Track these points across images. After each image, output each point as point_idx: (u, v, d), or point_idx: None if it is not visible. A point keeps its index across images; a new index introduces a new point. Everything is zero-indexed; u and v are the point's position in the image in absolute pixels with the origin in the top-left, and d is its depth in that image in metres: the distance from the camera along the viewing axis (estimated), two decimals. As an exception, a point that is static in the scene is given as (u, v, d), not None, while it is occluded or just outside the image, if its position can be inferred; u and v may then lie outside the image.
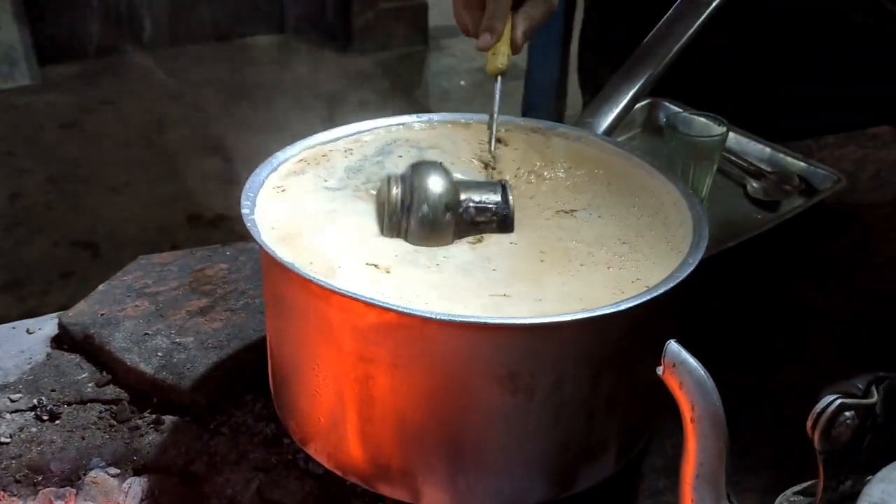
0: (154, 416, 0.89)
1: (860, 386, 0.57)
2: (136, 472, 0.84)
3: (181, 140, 3.28)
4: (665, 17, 1.05)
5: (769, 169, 1.23)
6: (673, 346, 0.65)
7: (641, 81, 1.00)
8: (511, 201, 0.83)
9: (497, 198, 0.83)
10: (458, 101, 3.49)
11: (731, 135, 1.26)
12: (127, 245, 2.83)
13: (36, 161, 3.08)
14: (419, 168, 0.83)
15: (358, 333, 0.71)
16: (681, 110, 1.30)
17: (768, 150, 1.25)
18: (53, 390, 0.92)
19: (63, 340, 0.98)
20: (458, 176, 0.85)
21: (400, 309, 0.68)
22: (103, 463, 0.85)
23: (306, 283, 0.71)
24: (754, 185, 1.21)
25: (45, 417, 0.89)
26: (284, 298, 0.76)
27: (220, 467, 0.84)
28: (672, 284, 0.72)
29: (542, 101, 3.03)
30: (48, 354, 0.97)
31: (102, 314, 0.99)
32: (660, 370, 0.65)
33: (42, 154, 3.13)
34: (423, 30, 3.97)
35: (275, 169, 0.86)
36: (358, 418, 0.74)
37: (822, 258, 1.14)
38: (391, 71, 3.76)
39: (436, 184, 0.82)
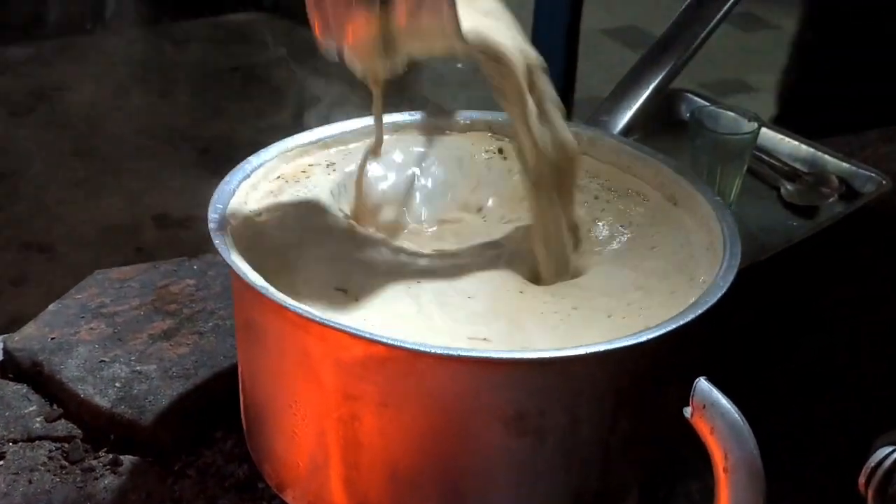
0: (111, 455, 0.87)
1: (920, 436, 0.55)
2: (90, 522, 0.81)
3: (147, 130, 3.25)
4: (688, 1, 1.02)
5: (805, 170, 1.21)
6: (703, 384, 0.63)
7: (663, 74, 0.98)
8: None
9: None
10: (455, 87, 3.45)
11: (763, 131, 1.23)
12: (86, 247, 2.79)
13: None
14: None
15: (341, 368, 0.69)
16: (707, 103, 1.28)
17: (804, 147, 1.23)
18: (-4, 426, 0.89)
19: (8, 368, 0.95)
20: None
21: (390, 341, 0.66)
22: (52, 510, 0.82)
23: (282, 310, 0.68)
24: (788, 187, 1.18)
25: (-14, 458, 0.87)
26: (257, 326, 0.74)
27: (186, 515, 0.81)
28: (699, 312, 0.70)
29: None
30: (-9, 384, 0.94)
31: (53, 338, 0.96)
32: (688, 412, 0.63)
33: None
34: (416, 6, 3.93)
35: (247, 176, 0.84)
36: (342, 464, 0.72)
37: (866, 267, 1.12)
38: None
39: None
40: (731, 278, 0.73)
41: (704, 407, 0.62)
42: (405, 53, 0.75)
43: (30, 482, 0.84)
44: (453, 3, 0.69)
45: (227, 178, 0.82)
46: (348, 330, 0.66)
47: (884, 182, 1.16)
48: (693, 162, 1.14)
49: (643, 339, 0.67)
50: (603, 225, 0.86)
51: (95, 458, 0.87)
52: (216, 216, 0.77)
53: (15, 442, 0.88)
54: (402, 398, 0.68)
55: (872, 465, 0.55)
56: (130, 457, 0.87)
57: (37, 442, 0.88)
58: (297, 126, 0.93)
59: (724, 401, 0.62)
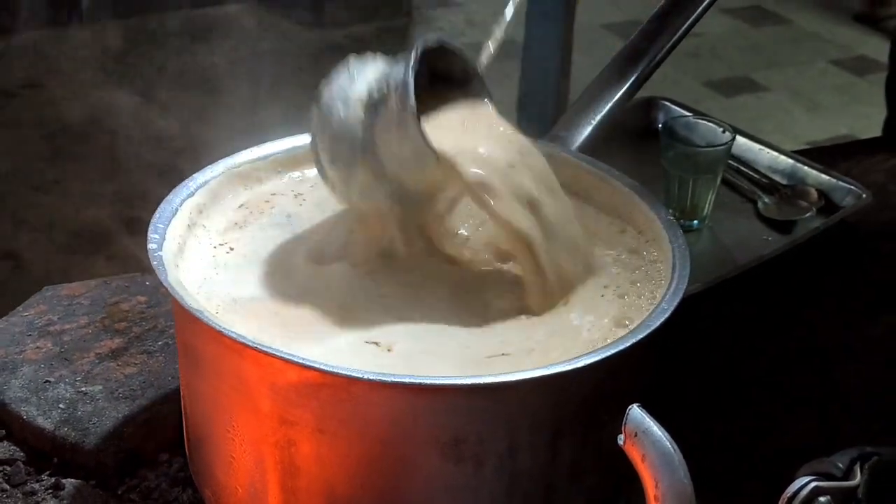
0: (53, 479, 0.90)
1: (840, 465, 0.58)
2: (29, 547, 0.85)
3: (121, 130, 3.29)
4: (656, 10, 1.06)
5: (784, 182, 1.25)
6: (635, 412, 0.66)
7: (625, 87, 1.01)
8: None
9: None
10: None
11: (742, 142, 1.27)
12: (55, 254, 2.83)
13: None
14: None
15: (277, 393, 0.72)
16: (684, 112, 1.32)
17: (783, 159, 1.26)
18: (-63, 448, 0.93)
19: (-49, 388, 0.99)
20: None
21: (322, 367, 0.69)
22: (-9, 536, 0.86)
23: (217, 335, 0.72)
24: (766, 201, 1.22)
25: (-75, 481, 0.90)
26: (195, 349, 0.78)
27: (127, 541, 0.85)
28: (641, 336, 0.73)
29: (542, 82, 3.04)
30: (-66, 405, 0.98)
31: (-2, 357, 1.00)
32: (621, 439, 0.66)
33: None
34: (406, -1, 3.98)
35: (192, 194, 0.87)
36: (280, 490, 0.75)
37: (844, 288, 1.15)
38: (368, 47, 3.76)
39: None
40: (676, 302, 0.76)
41: (636, 434, 0.65)
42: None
43: (-31, 507, 0.88)
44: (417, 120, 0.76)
45: (168, 197, 0.86)
46: (282, 355, 0.70)
47: (863, 195, 1.20)
48: (665, 174, 1.18)
49: (579, 364, 0.71)
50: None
51: (38, 481, 0.91)
52: (156, 236, 0.81)
53: (-45, 465, 0.92)
54: (338, 424, 0.71)
55: (789, 495, 0.59)
56: (73, 480, 0.90)
57: (-22, 465, 0.92)
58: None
59: (655, 428, 0.65)
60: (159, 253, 0.79)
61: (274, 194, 0.93)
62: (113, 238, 2.82)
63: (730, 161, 1.24)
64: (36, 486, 0.90)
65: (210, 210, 0.88)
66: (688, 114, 1.30)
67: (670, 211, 1.15)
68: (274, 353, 0.70)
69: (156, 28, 3.90)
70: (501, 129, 0.84)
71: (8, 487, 0.90)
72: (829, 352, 1.04)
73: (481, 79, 0.85)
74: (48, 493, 0.89)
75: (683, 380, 0.96)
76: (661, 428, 0.66)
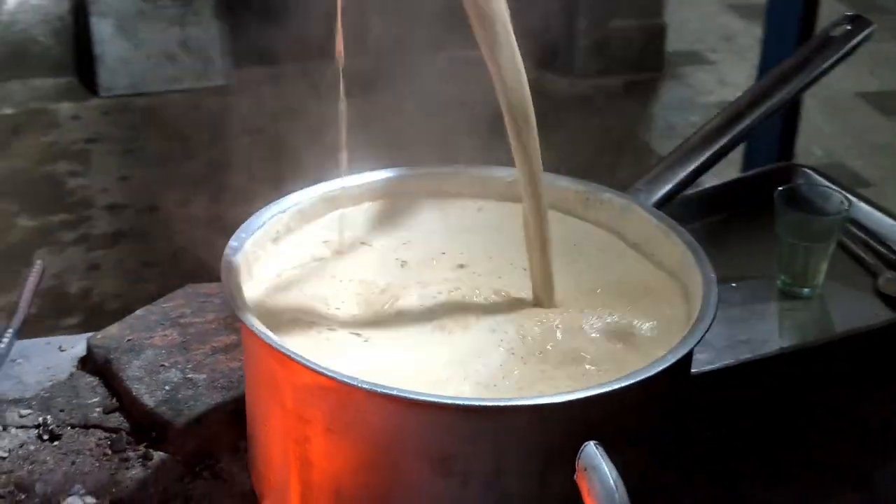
0: (146, 450, 1.01)
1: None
2: (112, 504, 0.95)
3: (365, 156, 3.45)
4: (766, 76, 1.07)
5: (912, 259, 1.21)
6: (590, 449, 0.69)
7: (715, 149, 1.02)
8: None
9: None
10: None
11: (874, 214, 1.25)
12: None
13: (209, 167, 3.33)
14: None
15: (297, 392, 0.79)
16: (823, 181, 1.30)
17: (915, 235, 1.23)
18: (62, 411, 1.05)
19: (88, 362, 1.12)
20: None
21: (328, 373, 0.75)
22: (83, 490, 0.97)
23: (254, 336, 0.80)
24: (888, 276, 1.19)
25: (45, 437, 1.02)
26: (248, 351, 0.86)
27: (190, 512, 0.94)
28: (630, 382, 0.75)
29: (766, 142, 2.99)
30: (71, 374, 1.11)
31: (129, 339, 1.12)
32: (576, 473, 0.70)
33: (218, 159, 3.37)
34: (659, 54, 3.99)
35: (283, 211, 0.96)
36: (299, 482, 0.82)
37: None
38: (613, 98, 3.81)
39: None
40: (679, 356, 0.78)
41: (586, 469, 0.68)
42: None
43: (73, 463, 1.00)
44: None
45: (259, 212, 0.95)
46: (297, 359, 0.76)
47: (985, 283, 1.15)
48: (778, 240, 1.17)
49: (563, 399, 0.74)
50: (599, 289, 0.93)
51: (134, 450, 1.01)
52: (235, 244, 0.90)
53: (73, 427, 1.04)
54: (344, 426, 0.78)
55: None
56: (161, 453, 1.00)
57: (91, 429, 1.04)
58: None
59: (604, 465, 0.68)
60: (230, 258, 0.88)
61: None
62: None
63: (856, 232, 1.22)
64: (131, 454, 1.01)
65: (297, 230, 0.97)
66: (826, 182, 1.28)
67: (781, 276, 1.17)
68: (293, 356, 0.77)
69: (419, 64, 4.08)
70: None
71: (109, 452, 1.01)
72: (882, 431, 1.02)
73: None
74: (138, 462, 1.00)
75: (727, 434, 0.97)
76: (611, 466, 0.68)
